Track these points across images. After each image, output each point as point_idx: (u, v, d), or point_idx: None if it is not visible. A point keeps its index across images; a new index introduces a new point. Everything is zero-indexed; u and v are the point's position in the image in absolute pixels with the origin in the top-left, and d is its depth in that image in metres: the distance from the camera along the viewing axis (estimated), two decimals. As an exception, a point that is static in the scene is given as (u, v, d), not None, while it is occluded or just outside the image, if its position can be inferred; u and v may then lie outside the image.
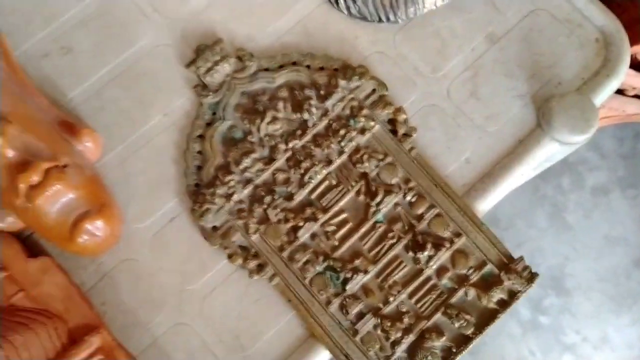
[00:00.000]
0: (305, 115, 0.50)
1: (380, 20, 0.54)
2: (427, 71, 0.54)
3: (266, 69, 0.53)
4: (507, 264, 0.48)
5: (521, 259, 0.48)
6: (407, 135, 0.51)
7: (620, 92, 0.97)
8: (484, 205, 0.52)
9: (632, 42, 0.80)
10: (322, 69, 0.53)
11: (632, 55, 0.85)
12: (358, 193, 0.49)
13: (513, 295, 0.47)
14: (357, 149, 0.50)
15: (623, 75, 0.56)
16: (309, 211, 0.48)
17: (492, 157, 0.52)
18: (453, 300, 0.47)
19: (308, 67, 0.53)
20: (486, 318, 0.47)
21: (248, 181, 0.49)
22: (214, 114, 0.51)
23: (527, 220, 1.26)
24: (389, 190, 0.49)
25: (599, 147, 1.31)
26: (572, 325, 1.20)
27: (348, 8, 0.54)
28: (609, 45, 0.55)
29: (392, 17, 0.53)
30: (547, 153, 0.53)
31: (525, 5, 0.56)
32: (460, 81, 0.54)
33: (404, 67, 0.54)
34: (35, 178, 0.40)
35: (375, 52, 0.55)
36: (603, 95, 0.55)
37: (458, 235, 0.48)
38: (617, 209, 1.28)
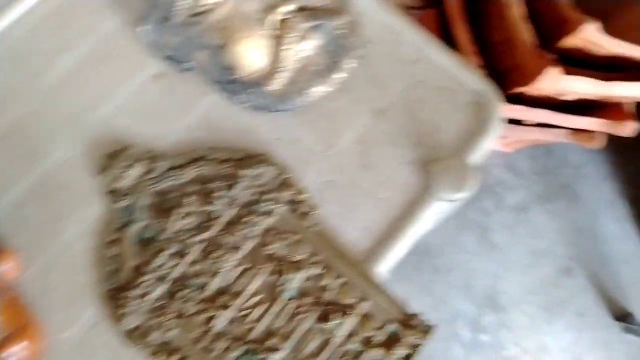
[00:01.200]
0: (213, 207, 0.55)
1: (275, 110, 0.59)
2: (321, 150, 0.60)
3: (175, 167, 0.57)
4: (406, 320, 0.53)
5: (417, 314, 0.53)
6: (309, 212, 0.56)
7: (519, 122, 1.06)
8: (384, 266, 0.57)
9: (521, 84, 0.89)
10: (227, 160, 0.57)
11: (521, 93, 0.94)
12: (269, 273, 0.54)
13: (415, 348, 0.52)
14: (265, 232, 0.55)
15: (498, 130, 0.62)
16: (222, 299, 0.52)
17: (386, 221, 0.58)
18: None
19: (214, 160, 0.57)
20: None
21: (163, 278, 0.53)
22: (128, 216, 0.55)
23: (456, 245, 1.33)
24: (297, 267, 0.54)
25: (514, 168, 1.41)
26: (511, 339, 1.28)
27: (244, 102, 0.59)
28: (483, 106, 0.62)
29: (284, 107, 0.59)
30: (436, 210, 0.59)
31: (406, 79, 0.63)
32: (351, 155, 0.60)
33: (300, 149, 0.60)
34: None
35: (274, 139, 0.60)
36: (482, 150, 0.61)
37: (362, 300, 0.53)
38: (538, 223, 1.37)
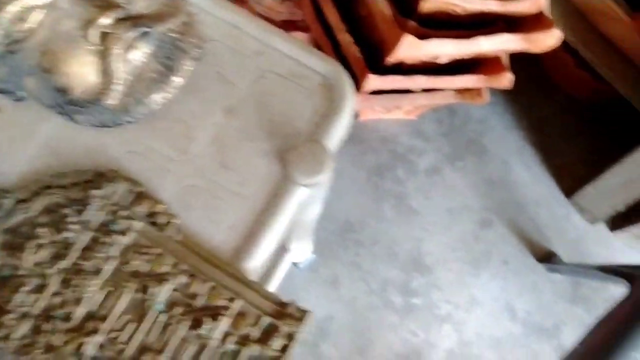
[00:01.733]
0: (67, 234, 0.53)
1: (118, 123, 0.58)
2: (176, 156, 0.59)
3: (22, 200, 0.55)
4: (280, 311, 0.53)
5: (290, 303, 0.54)
6: (168, 223, 0.55)
7: (408, 91, 1.08)
8: (255, 262, 0.57)
9: (386, 54, 0.90)
10: (75, 184, 0.56)
11: (401, 62, 0.95)
12: (134, 291, 0.53)
13: (291, 337, 0.53)
14: (125, 250, 0.54)
15: (351, 109, 0.63)
16: (90, 325, 0.51)
17: (251, 217, 0.58)
18: None
19: (62, 186, 0.55)
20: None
21: (25, 315, 0.51)
22: (-20, 259, 0.53)
23: (376, 217, 1.36)
24: (162, 280, 0.53)
25: (422, 133, 1.44)
26: (442, 298, 1.32)
27: (86, 121, 0.57)
28: (333, 87, 0.63)
29: (127, 119, 0.57)
30: (300, 198, 0.59)
31: (252, 72, 0.63)
32: (208, 156, 0.59)
33: (155, 159, 0.59)
34: None
35: (125, 152, 0.58)
36: (338, 130, 0.62)
37: (232, 300, 0.53)
38: (451, 182, 1.41)
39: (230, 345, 0.52)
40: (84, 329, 0.51)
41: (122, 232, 0.54)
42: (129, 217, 0.54)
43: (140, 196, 0.56)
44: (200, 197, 0.58)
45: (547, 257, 1.38)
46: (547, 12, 0.88)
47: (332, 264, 1.32)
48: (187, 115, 0.60)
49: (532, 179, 1.43)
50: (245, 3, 1.27)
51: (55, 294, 0.52)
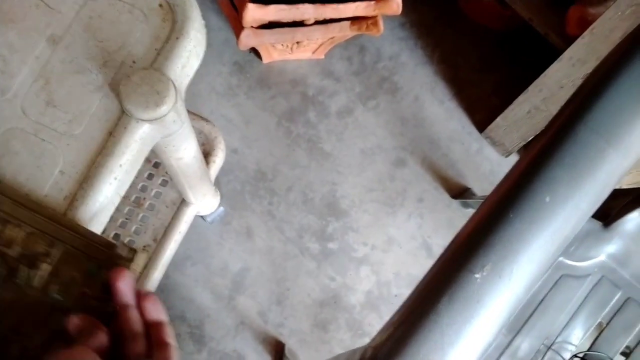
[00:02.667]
0: None
1: None
2: (-6, 96, 0.51)
3: None
4: (107, 254, 0.48)
5: (117, 242, 0.48)
6: None
7: (300, 24, 1.01)
8: (92, 209, 0.51)
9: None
10: None
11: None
12: None
13: None
14: None
15: (198, 33, 0.57)
16: None
17: (85, 159, 0.51)
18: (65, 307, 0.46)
19: None
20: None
21: None
22: None
23: (290, 163, 1.31)
24: None
25: (332, 73, 1.38)
26: (358, 240, 1.29)
27: None
28: (174, 6, 0.56)
29: None
30: (142, 136, 0.53)
31: (79, -5, 0.55)
32: (32, 94, 0.52)
33: (-32, 100, 0.51)
34: None
35: None
36: (183, 57, 0.55)
37: (53, 245, 0.47)
38: (364, 122, 1.37)
39: (55, 295, 0.46)
40: None
41: None
42: None
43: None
44: (25, 142, 0.51)
45: (461, 193, 1.37)
46: None
47: (246, 214, 1.27)
48: (4, 48, 0.52)
49: (445, 115, 1.41)
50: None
51: None
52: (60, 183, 0.51)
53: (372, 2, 0.89)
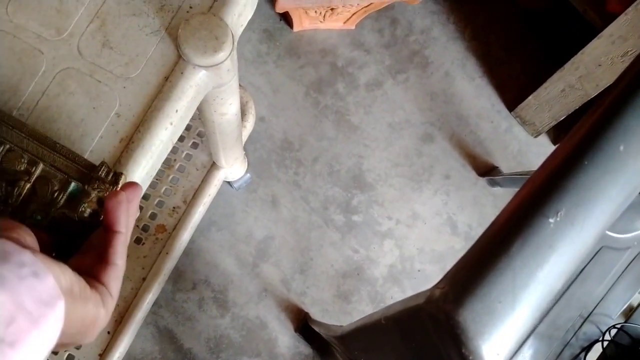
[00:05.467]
0: None
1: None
2: (52, 35, 0.51)
3: None
4: (90, 174, 0.46)
5: (102, 164, 0.46)
6: None
7: None
8: (147, 153, 0.50)
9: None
10: None
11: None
12: None
13: (103, 203, 0.45)
14: None
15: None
16: None
17: (142, 103, 0.51)
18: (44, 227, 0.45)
19: None
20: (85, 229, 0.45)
21: None
22: None
23: (317, 134, 1.30)
24: None
25: (362, 44, 1.37)
26: (383, 214, 1.29)
27: None
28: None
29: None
30: (198, 82, 0.52)
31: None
32: (88, 35, 0.52)
33: (26, 38, 0.51)
34: None
35: (-12, 31, 0.50)
36: (240, 5, 0.55)
37: (34, 164, 0.46)
38: (393, 96, 1.36)
39: (34, 215, 0.45)
40: None
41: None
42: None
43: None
44: (81, 82, 0.51)
45: (488, 171, 1.37)
46: None
47: (271, 183, 1.27)
48: (60, -11, 0.52)
49: (475, 92, 1.39)
50: None
51: None
52: (116, 125, 0.50)
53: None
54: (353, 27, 1.32)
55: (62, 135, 0.49)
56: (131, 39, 0.52)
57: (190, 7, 0.53)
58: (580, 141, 0.38)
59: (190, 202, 1.03)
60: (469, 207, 1.34)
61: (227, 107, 0.68)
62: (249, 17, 0.58)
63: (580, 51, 1.11)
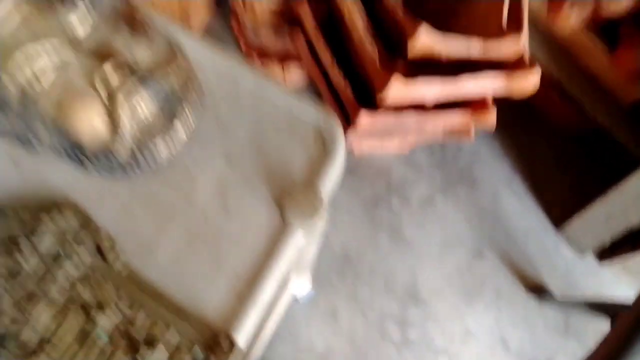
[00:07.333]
0: (17, 257, 0.54)
1: (129, 173, 0.61)
2: (180, 203, 0.62)
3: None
4: (213, 341, 0.55)
5: (221, 333, 0.55)
6: (116, 259, 0.57)
7: (422, 107, 1.10)
8: (257, 306, 0.59)
9: (376, 94, 0.94)
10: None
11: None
12: (80, 320, 0.54)
13: None
14: (76, 280, 0.55)
15: (343, 154, 0.67)
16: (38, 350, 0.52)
17: (253, 263, 0.60)
18: None
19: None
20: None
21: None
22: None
23: (372, 247, 1.38)
24: (104, 310, 0.54)
25: (414, 164, 1.48)
26: (437, 329, 1.34)
27: (97, 171, 0.60)
28: (325, 134, 0.67)
29: (136, 170, 0.61)
30: (297, 241, 0.62)
31: (249, 120, 0.66)
32: (211, 203, 0.62)
33: (159, 206, 0.62)
34: None
35: (130, 200, 0.61)
36: (332, 176, 0.65)
37: (168, 330, 0.55)
38: (444, 212, 1.44)
39: None
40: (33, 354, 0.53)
41: (74, 264, 0.55)
42: (75, 249, 0.56)
43: (90, 229, 0.58)
44: (206, 245, 0.61)
45: (537, 289, 1.41)
46: (527, 56, 0.92)
47: (331, 296, 1.34)
48: (189, 162, 0.64)
49: (521, 209, 1.47)
50: (243, 37, 1.32)
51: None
52: (234, 283, 0.59)
53: (470, 116, 0.99)
54: (406, 152, 1.44)
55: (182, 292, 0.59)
56: (246, 207, 0.62)
57: (293, 181, 0.64)
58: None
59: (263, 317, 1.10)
60: (520, 325, 1.37)
61: (309, 250, 0.77)
62: (338, 179, 0.68)
63: (619, 186, 1.16)
